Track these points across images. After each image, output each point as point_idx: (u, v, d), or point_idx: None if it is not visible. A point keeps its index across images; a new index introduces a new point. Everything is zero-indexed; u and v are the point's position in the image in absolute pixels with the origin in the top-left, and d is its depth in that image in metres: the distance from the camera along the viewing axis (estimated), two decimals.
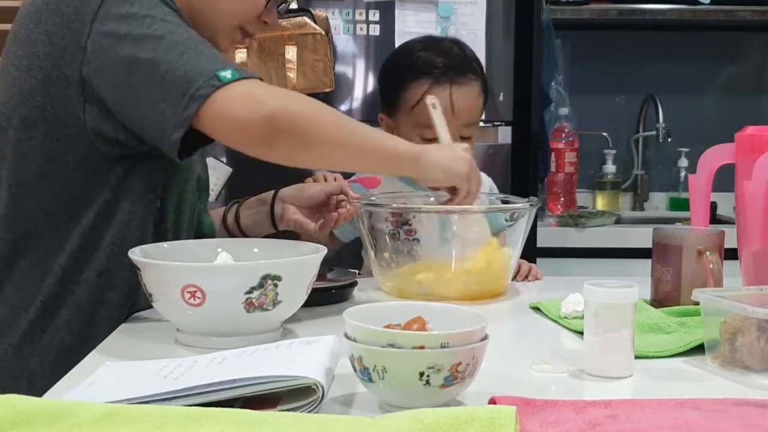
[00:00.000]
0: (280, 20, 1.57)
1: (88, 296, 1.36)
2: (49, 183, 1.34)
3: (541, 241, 2.65)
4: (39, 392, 1.29)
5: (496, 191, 1.93)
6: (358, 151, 1.37)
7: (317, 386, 0.90)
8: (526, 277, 1.73)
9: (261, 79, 1.30)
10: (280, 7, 1.56)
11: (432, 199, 1.67)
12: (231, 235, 1.63)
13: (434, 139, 1.75)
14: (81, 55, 1.28)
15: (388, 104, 1.85)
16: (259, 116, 1.24)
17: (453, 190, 1.48)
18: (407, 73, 1.80)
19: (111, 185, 1.35)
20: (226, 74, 1.25)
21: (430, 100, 1.63)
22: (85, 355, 1.19)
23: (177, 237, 1.44)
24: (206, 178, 1.61)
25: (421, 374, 0.91)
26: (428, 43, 1.88)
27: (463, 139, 1.73)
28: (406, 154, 1.41)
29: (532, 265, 1.76)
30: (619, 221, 3.04)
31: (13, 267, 1.36)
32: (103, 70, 1.28)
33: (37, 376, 1.35)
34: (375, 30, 2.52)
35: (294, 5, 1.64)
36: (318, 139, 1.31)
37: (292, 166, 1.34)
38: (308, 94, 2.40)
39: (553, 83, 3.05)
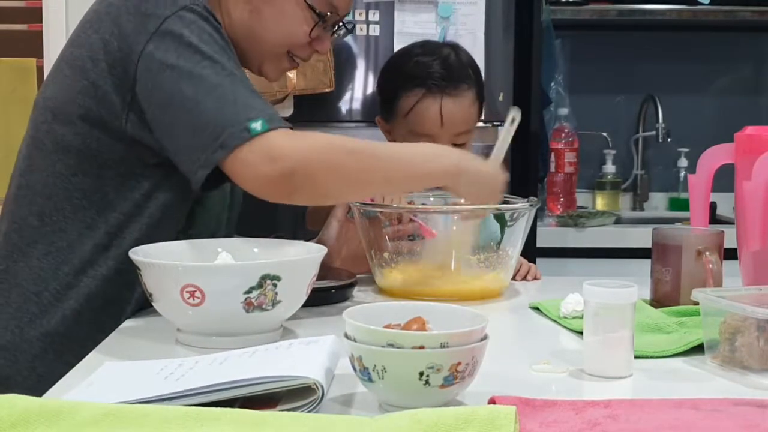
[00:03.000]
0: None
1: (103, 291, 1.38)
2: (83, 177, 1.38)
3: (541, 241, 2.65)
4: (40, 377, 1.34)
5: None
6: (388, 182, 1.39)
7: (317, 386, 0.90)
8: (525, 276, 1.73)
9: (291, 127, 1.32)
10: (337, 33, 1.57)
11: (431, 199, 1.68)
12: None
13: None
14: (133, 71, 1.32)
15: (385, 109, 1.88)
16: (278, 174, 1.27)
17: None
18: (403, 81, 1.83)
19: (144, 189, 1.39)
20: (257, 126, 1.27)
21: (513, 113, 1.58)
22: (90, 348, 1.20)
23: None
24: (239, 194, 1.62)
25: (421, 374, 0.91)
26: (426, 49, 1.89)
27: (455, 146, 1.74)
28: (445, 169, 1.40)
29: (532, 265, 1.76)
30: (618, 221, 3.04)
31: (31, 251, 1.39)
32: (148, 91, 1.32)
33: (39, 360, 1.37)
34: (375, 30, 2.52)
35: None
36: (340, 187, 1.35)
37: None
38: (308, 95, 2.46)
39: (552, 83, 3.05)
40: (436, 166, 1.40)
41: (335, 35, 1.57)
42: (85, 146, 1.37)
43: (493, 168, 1.50)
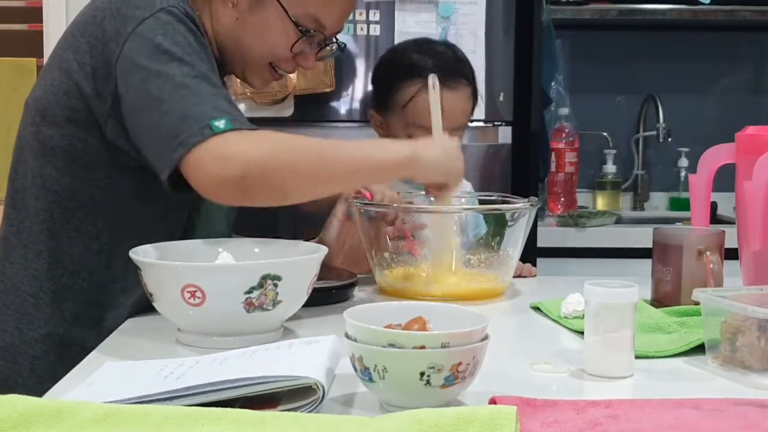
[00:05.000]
0: None
1: (100, 297, 1.39)
2: (71, 180, 1.38)
3: (541, 241, 2.65)
4: (40, 378, 1.34)
5: (471, 190, 1.94)
6: (347, 178, 1.39)
7: (318, 386, 0.90)
8: (520, 273, 1.73)
9: (257, 128, 1.31)
10: (324, 50, 1.55)
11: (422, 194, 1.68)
12: None
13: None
14: (113, 74, 1.33)
15: (380, 102, 1.88)
16: (230, 175, 1.25)
17: (440, 186, 1.49)
18: (402, 72, 1.83)
19: (132, 195, 1.39)
20: (219, 124, 1.26)
21: (431, 79, 1.60)
22: (89, 349, 1.21)
23: None
24: None
25: (422, 374, 0.91)
26: (422, 45, 1.91)
27: None
28: (400, 159, 1.40)
29: (521, 264, 1.76)
30: (619, 221, 3.04)
31: (26, 253, 1.40)
32: (124, 94, 1.32)
33: (39, 362, 1.38)
34: (375, 30, 2.52)
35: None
36: (297, 185, 1.32)
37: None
38: (309, 95, 2.46)
39: (553, 83, 3.05)
40: (392, 155, 1.40)
41: (322, 52, 1.55)
42: (71, 147, 1.37)
43: (442, 143, 1.50)
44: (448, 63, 1.83)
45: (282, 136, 1.34)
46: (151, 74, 1.29)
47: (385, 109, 1.85)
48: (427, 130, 1.76)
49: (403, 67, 1.83)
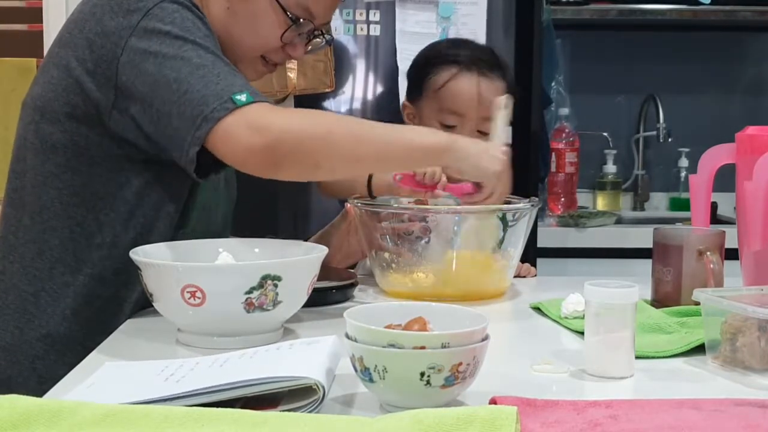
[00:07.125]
0: None
1: (100, 291, 1.39)
2: (72, 176, 1.38)
3: (542, 241, 2.65)
4: (41, 378, 1.35)
5: None
6: (379, 157, 1.38)
7: (318, 386, 0.90)
8: (519, 273, 1.74)
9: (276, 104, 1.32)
10: (313, 42, 1.55)
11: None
12: None
13: (453, 127, 1.76)
14: (115, 66, 1.33)
15: (413, 90, 1.89)
16: (263, 143, 1.27)
17: (478, 186, 1.48)
18: (436, 60, 1.85)
19: (134, 187, 1.39)
20: (241, 98, 1.27)
21: (504, 99, 1.61)
22: (90, 349, 1.21)
23: None
24: (234, 190, 1.62)
25: (422, 374, 0.91)
26: (461, 41, 1.98)
27: (480, 134, 1.75)
28: (435, 146, 1.39)
29: (520, 264, 1.76)
30: (619, 221, 3.04)
31: (26, 252, 1.40)
32: (133, 83, 1.33)
33: (40, 361, 1.38)
34: (375, 30, 2.52)
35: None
36: (328, 158, 1.32)
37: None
38: (309, 95, 2.46)
39: (553, 83, 3.05)
40: (427, 141, 1.39)
41: (311, 44, 1.55)
42: (72, 144, 1.37)
43: (487, 144, 1.50)
44: (485, 54, 1.86)
45: (312, 111, 1.36)
46: (167, 58, 1.30)
47: (419, 96, 1.85)
48: (460, 116, 1.77)
49: (439, 56, 1.86)
